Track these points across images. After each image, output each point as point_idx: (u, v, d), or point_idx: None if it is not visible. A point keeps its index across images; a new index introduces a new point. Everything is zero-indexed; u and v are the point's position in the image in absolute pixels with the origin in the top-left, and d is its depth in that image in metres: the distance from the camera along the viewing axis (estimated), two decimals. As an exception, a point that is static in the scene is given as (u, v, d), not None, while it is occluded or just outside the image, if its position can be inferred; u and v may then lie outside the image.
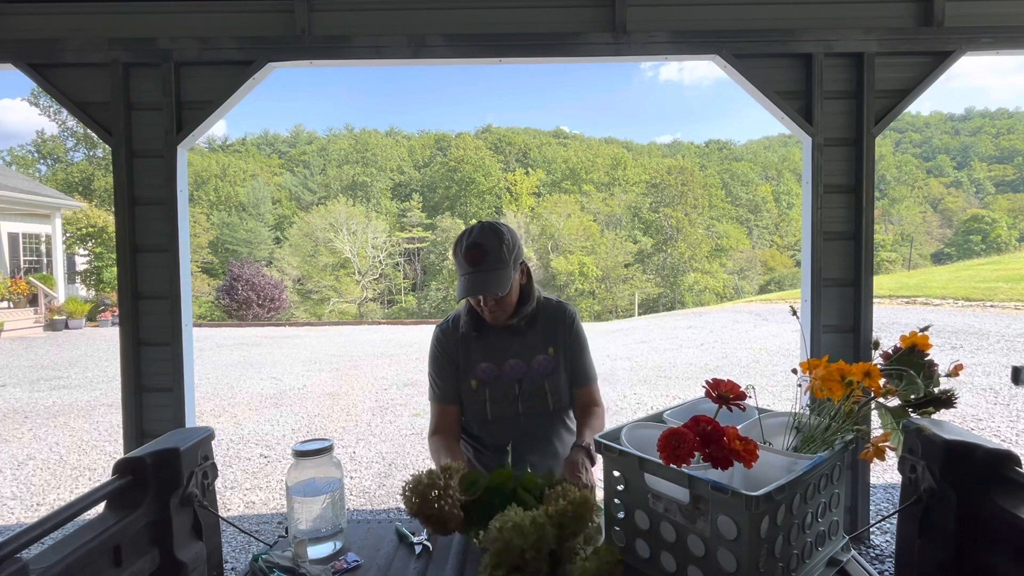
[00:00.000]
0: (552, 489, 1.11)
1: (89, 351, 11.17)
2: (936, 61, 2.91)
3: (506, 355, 1.53)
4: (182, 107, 2.96)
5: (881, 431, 1.08)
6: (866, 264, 2.95)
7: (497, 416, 1.51)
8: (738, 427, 0.96)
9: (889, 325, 9.93)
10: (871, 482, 3.20)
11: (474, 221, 1.60)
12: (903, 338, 1.09)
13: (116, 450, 5.16)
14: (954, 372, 1.03)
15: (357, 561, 1.20)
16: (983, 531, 0.94)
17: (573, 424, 1.64)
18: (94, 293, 18.30)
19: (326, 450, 1.23)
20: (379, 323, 18.58)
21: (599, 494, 1.19)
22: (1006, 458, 0.94)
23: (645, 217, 40.81)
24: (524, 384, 1.51)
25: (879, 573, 2.81)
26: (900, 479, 1.08)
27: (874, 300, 3.02)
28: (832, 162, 2.96)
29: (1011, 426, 5.04)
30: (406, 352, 10.90)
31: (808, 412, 1.12)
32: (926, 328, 1.13)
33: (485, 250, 1.42)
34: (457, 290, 1.47)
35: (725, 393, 1.05)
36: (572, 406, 1.62)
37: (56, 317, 14.41)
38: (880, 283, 16.06)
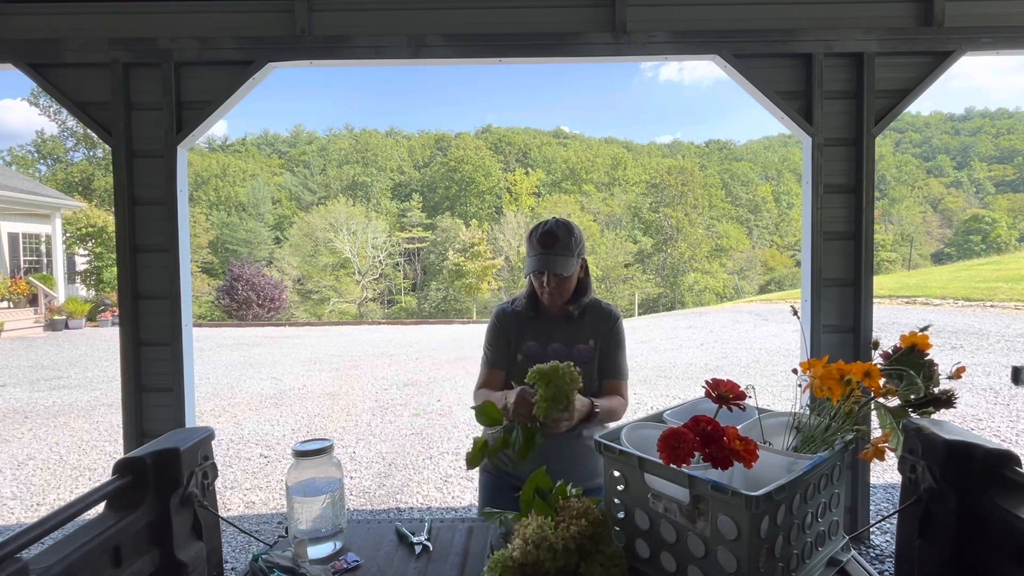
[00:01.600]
0: (566, 500, 1.11)
1: (89, 351, 11.17)
2: (936, 61, 2.91)
3: (552, 338, 1.72)
4: (182, 107, 2.96)
5: (881, 431, 1.08)
6: (866, 264, 2.95)
7: None
8: (738, 427, 0.96)
9: (889, 325, 9.93)
10: (871, 482, 3.20)
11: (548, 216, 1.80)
12: (903, 338, 1.09)
13: (116, 450, 5.16)
14: (956, 374, 1.03)
15: (357, 561, 1.20)
16: (983, 531, 0.94)
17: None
18: (94, 293, 18.30)
19: (326, 450, 1.23)
20: (379, 323, 18.59)
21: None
22: (1006, 458, 0.94)
23: (645, 217, 40.82)
24: None
25: (879, 573, 2.81)
26: (900, 479, 1.08)
27: (874, 300, 3.02)
28: (832, 162, 2.96)
29: (1011, 426, 5.04)
30: (406, 352, 10.91)
31: (808, 412, 1.12)
32: (926, 328, 1.13)
33: (557, 237, 1.65)
34: (526, 267, 1.71)
35: (725, 393, 1.05)
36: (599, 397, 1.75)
37: (56, 317, 14.41)
38: (880, 283, 16.06)
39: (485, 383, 1.76)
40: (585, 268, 1.77)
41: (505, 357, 1.75)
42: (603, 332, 1.72)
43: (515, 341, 1.73)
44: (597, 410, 1.54)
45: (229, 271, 22.10)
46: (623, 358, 1.74)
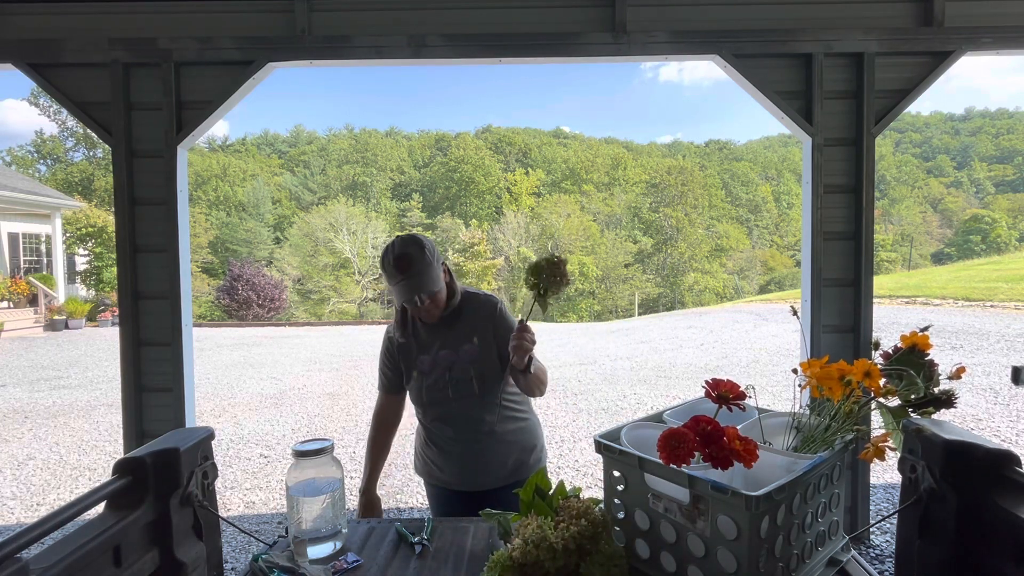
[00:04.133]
0: (565, 500, 1.11)
1: (89, 351, 11.17)
2: (936, 61, 2.91)
3: (438, 346, 1.72)
4: (182, 107, 2.96)
5: (881, 431, 1.08)
6: (866, 264, 2.95)
7: (432, 399, 1.72)
8: (738, 427, 0.96)
9: (889, 325, 9.93)
10: (871, 482, 3.20)
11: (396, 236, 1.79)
12: (903, 338, 1.09)
13: (116, 450, 5.16)
14: (956, 375, 1.03)
15: (357, 561, 1.20)
16: (983, 531, 0.94)
17: (524, 402, 1.79)
18: (94, 293, 18.29)
19: (326, 450, 1.23)
20: (379, 323, 18.57)
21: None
22: (1006, 458, 0.94)
23: (645, 217, 40.84)
24: (453, 371, 1.69)
25: (879, 573, 2.81)
26: (900, 479, 1.08)
27: (874, 300, 3.02)
28: (832, 162, 2.96)
29: (1011, 426, 5.04)
30: (406, 352, 10.89)
31: (808, 412, 1.12)
32: (926, 328, 1.13)
33: (412, 257, 1.59)
34: (396, 297, 1.63)
35: (725, 393, 1.05)
36: (502, 391, 1.75)
37: (56, 317, 14.41)
38: (880, 283, 16.05)
39: (381, 412, 1.82)
40: (448, 271, 1.74)
41: (397, 380, 1.78)
42: (484, 325, 1.70)
43: (406, 361, 1.74)
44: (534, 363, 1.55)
45: (229, 271, 22.10)
46: None
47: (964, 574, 0.95)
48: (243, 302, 20.50)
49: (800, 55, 2.93)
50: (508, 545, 1.05)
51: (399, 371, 1.77)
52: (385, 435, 1.82)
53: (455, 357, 1.69)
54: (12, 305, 14.28)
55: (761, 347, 9.85)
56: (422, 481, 1.87)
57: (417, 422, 1.83)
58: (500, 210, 42.69)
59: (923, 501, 1.01)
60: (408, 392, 1.79)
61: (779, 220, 50.64)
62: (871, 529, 3.20)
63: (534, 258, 1.40)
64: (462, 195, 45.85)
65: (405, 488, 4.19)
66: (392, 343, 1.78)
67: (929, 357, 1.07)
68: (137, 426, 2.94)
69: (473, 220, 39.74)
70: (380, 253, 1.68)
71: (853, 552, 1.11)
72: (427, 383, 1.70)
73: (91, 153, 40.23)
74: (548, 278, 1.40)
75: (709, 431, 0.92)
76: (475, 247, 28.70)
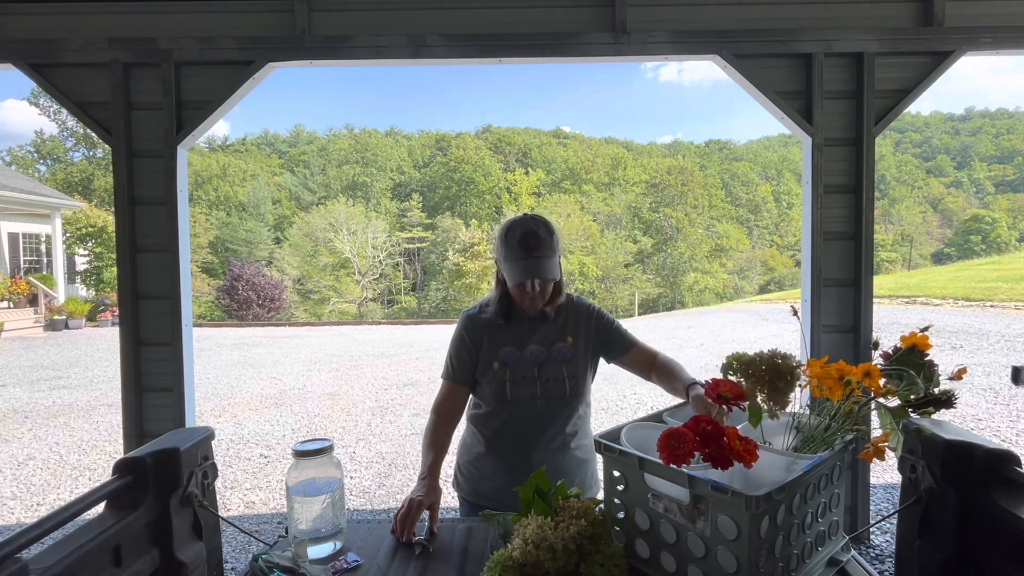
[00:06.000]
0: (565, 500, 1.11)
1: (89, 351, 11.17)
2: (936, 61, 2.91)
3: (528, 341, 1.62)
4: (182, 107, 2.96)
5: (881, 431, 1.08)
6: (866, 264, 2.95)
7: (516, 397, 1.59)
8: (738, 427, 0.96)
9: (889, 325, 9.93)
10: (871, 482, 3.20)
11: (522, 212, 1.69)
12: (903, 338, 1.09)
13: (116, 450, 5.16)
14: (958, 375, 1.03)
15: (357, 561, 1.20)
16: (983, 531, 0.94)
17: (588, 418, 1.69)
18: (94, 293, 18.29)
19: (326, 450, 1.23)
20: (379, 323, 18.58)
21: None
22: (1006, 458, 0.94)
23: (645, 217, 40.82)
24: (543, 368, 1.59)
25: (879, 573, 2.81)
26: (900, 479, 1.08)
27: (874, 300, 3.02)
28: (832, 162, 2.96)
29: (1011, 426, 5.04)
30: (406, 352, 10.91)
31: (808, 412, 1.12)
32: (926, 328, 1.13)
33: (540, 237, 1.52)
34: (511, 275, 1.52)
35: (725, 393, 1.05)
36: (588, 394, 1.68)
37: (56, 317, 14.41)
38: (880, 283, 16.06)
39: (443, 404, 1.63)
40: (560, 267, 1.64)
41: (471, 370, 1.63)
42: (586, 325, 1.63)
43: (488, 349, 1.61)
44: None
45: (229, 271, 22.09)
46: (626, 329, 1.68)
47: (964, 574, 0.96)
48: (243, 302, 20.51)
49: (800, 55, 2.93)
50: (508, 545, 1.05)
51: (475, 359, 1.62)
52: (447, 427, 1.62)
53: (546, 354, 1.59)
54: (12, 305, 14.27)
55: (761, 347, 9.83)
56: (456, 496, 1.72)
57: (465, 431, 1.72)
58: (500, 210, 42.69)
59: (923, 501, 1.02)
60: (480, 387, 1.63)
61: (779, 220, 50.61)
62: (871, 529, 3.20)
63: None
64: (462, 195, 45.81)
65: (405, 488, 4.19)
66: (473, 324, 1.64)
67: (929, 357, 1.07)
68: (137, 426, 2.94)
69: (473, 220, 39.70)
70: (503, 226, 1.57)
71: (853, 552, 1.11)
72: (511, 377, 1.58)
73: (91, 153, 40.25)
74: (783, 392, 1.09)
75: (709, 431, 0.92)
76: (475, 247, 28.65)
